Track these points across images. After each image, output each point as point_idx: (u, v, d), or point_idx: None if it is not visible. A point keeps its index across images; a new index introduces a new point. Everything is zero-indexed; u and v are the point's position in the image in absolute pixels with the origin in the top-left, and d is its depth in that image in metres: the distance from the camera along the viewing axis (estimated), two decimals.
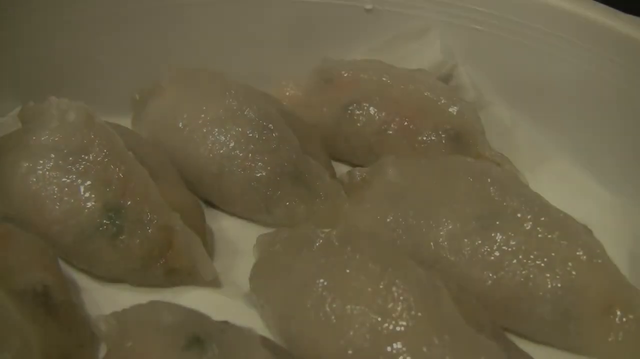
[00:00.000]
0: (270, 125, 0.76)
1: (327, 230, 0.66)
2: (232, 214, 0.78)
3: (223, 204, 0.78)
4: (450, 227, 0.68)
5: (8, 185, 0.72)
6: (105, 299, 0.69)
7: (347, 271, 0.61)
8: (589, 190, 0.82)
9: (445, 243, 0.68)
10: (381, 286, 0.59)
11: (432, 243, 0.68)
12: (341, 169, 0.83)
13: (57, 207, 0.69)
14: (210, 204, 0.79)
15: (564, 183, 0.81)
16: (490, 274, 0.66)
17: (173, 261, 0.69)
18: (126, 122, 0.85)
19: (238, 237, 0.76)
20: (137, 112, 0.85)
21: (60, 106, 0.73)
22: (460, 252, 0.67)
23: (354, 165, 0.84)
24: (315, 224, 0.72)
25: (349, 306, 0.59)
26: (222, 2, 0.90)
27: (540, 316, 0.65)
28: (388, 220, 0.71)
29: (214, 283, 0.70)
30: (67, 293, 0.64)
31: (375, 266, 0.60)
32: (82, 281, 0.70)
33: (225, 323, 0.57)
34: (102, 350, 0.62)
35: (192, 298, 0.69)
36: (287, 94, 0.88)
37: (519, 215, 0.67)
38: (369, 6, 0.89)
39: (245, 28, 0.91)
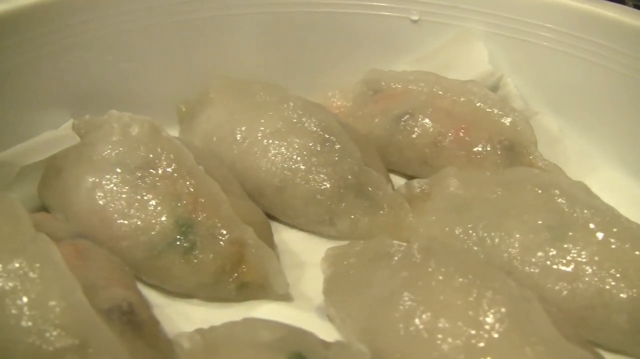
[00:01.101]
0: (332, 137, 0.76)
1: (400, 242, 0.66)
2: (293, 226, 0.78)
3: (284, 217, 0.78)
4: (522, 238, 0.68)
5: (72, 200, 0.71)
6: (178, 315, 0.68)
7: (434, 284, 0.61)
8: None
9: (518, 254, 0.68)
10: (471, 299, 0.59)
11: (505, 254, 0.68)
12: (394, 180, 0.83)
13: (126, 222, 0.69)
14: (270, 216, 0.78)
15: (614, 192, 0.81)
16: (565, 285, 0.66)
17: (245, 275, 0.69)
18: (172, 133, 0.83)
19: (301, 250, 0.75)
20: (185, 124, 0.85)
21: (122, 119, 0.73)
22: (534, 264, 0.67)
23: (406, 176, 0.84)
24: (378, 236, 0.71)
25: (439, 320, 0.59)
26: (265, 13, 0.89)
27: (616, 325, 0.65)
28: (457, 232, 0.71)
29: (285, 296, 0.70)
30: (149, 310, 0.63)
31: (464, 279, 0.60)
32: (152, 296, 0.70)
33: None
34: None
35: (265, 312, 0.69)
36: (335, 104, 0.87)
37: (591, 226, 0.67)
38: (415, 17, 0.90)
39: (289, 39, 0.90)
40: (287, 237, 0.77)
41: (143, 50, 0.87)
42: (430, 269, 0.62)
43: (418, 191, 0.77)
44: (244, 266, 0.69)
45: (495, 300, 0.59)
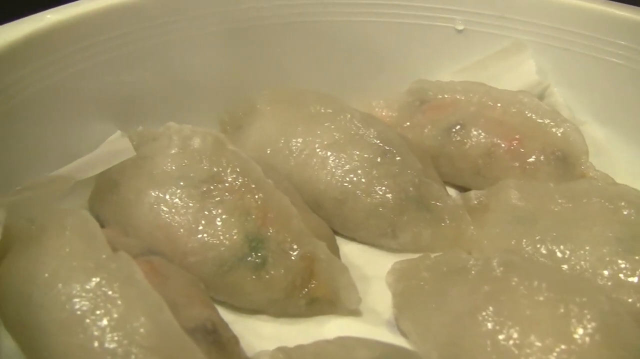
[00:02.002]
0: (392, 149, 0.76)
1: (475, 256, 0.65)
2: (353, 239, 0.78)
3: (344, 230, 0.77)
4: (592, 250, 0.68)
5: (133, 215, 0.70)
6: (248, 332, 0.67)
7: (519, 298, 0.60)
8: None
9: (590, 267, 0.68)
10: (559, 313, 0.59)
11: (577, 267, 0.68)
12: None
13: (193, 238, 0.67)
14: None
15: None
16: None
17: (315, 291, 0.68)
18: None
19: (363, 263, 0.75)
20: (230, 135, 0.83)
21: (182, 131, 0.71)
22: (606, 276, 0.67)
23: (457, 187, 0.84)
24: (440, 248, 0.71)
25: (527, 335, 0.58)
26: (309, 22, 0.89)
27: None
28: (524, 244, 0.70)
29: (354, 311, 0.69)
30: (230, 329, 0.62)
31: (550, 293, 0.60)
32: (221, 313, 0.67)
33: None
34: None
35: (335, 328, 0.68)
36: (380, 114, 0.87)
37: None
38: (460, 27, 0.90)
39: (332, 49, 0.90)
40: (347, 250, 0.76)
41: (185, 61, 0.85)
42: (513, 283, 0.61)
43: (475, 202, 0.76)
44: (314, 281, 0.68)
45: (585, 314, 0.58)
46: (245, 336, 0.66)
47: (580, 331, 0.57)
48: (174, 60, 0.84)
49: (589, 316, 0.58)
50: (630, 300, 0.66)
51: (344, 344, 0.57)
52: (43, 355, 0.59)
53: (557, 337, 0.58)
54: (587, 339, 0.57)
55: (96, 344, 0.57)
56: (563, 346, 0.57)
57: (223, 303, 0.69)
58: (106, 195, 0.73)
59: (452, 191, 0.83)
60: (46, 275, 0.61)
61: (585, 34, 0.86)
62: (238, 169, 0.69)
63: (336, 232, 0.78)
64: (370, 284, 0.72)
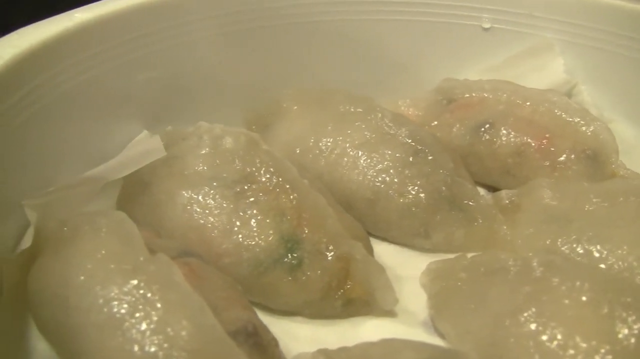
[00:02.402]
0: (424, 148, 0.75)
1: (513, 257, 0.65)
2: (384, 239, 0.77)
3: (376, 230, 0.76)
4: (630, 250, 0.67)
5: (166, 216, 0.69)
6: (284, 334, 0.66)
7: (561, 298, 0.60)
8: None
9: (628, 267, 0.67)
10: (603, 313, 0.58)
11: (615, 266, 0.67)
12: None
13: (228, 239, 0.67)
14: None
15: None
16: None
17: (351, 292, 0.67)
18: None
19: (396, 264, 0.74)
20: (258, 133, 0.82)
21: (213, 131, 0.71)
22: None
23: (487, 186, 0.83)
24: (473, 248, 0.70)
25: (571, 335, 0.58)
26: (334, 21, 0.88)
27: None
28: (560, 244, 0.70)
29: (390, 312, 0.68)
30: (270, 331, 0.61)
31: (592, 293, 0.59)
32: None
33: None
34: None
35: (371, 329, 0.68)
36: (406, 113, 0.86)
37: None
38: (487, 25, 0.89)
39: (357, 46, 0.89)
40: (380, 251, 0.75)
41: (210, 60, 0.85)
42: (554, 284, 0.61)
43: (507, 202, 0.76)
44: (349, 282, 0.67)
45: (629, 314, 0.58)
46: (282, 338, 0.65)
47: (625, 331, 0.57)
48: (199, 59, 0.84)
49: (633, 317, 0.57)
50: None
51: (390, 346, 0.56)
52: (80, 358, 0.58)
53: (601, 337, 0.57)
54: (633, 340, 0.57)
55: (136, 347, 0.56)
56: (607, 347, 0.57)
57: (257, 305, 0.68)
58: (136, 196, 0.72)
59: (481, 191, 0.83)
60: (82, 278, 0.60)
61: (613, 31, 0.86)
62: (272, 169, 0.68)
63: (368, 233, 0.77)
64: (404, 285, 0.71)
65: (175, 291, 0.57)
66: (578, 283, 0.60)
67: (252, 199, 0.67)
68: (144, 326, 0.56)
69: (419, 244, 0.75)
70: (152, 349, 0.55)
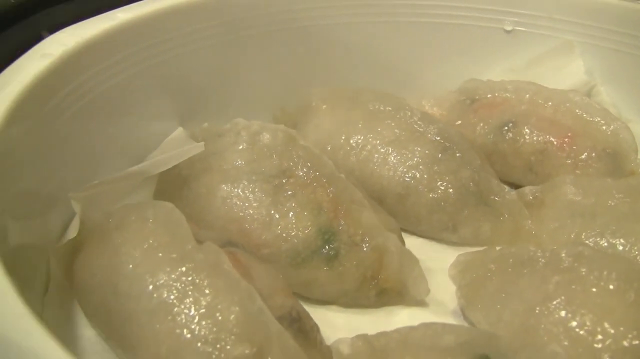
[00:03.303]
0: (452, 145, 0.78)
1: (541, 249, 0.67)
2: (413, 233, 0.79)
3: (406, 224, 0.79)
4: None
5: (206, 209, 0.72)
6: (320, 322, 0.67)
7: (589, 287, 0.62)
8: None
9: None
10: (630, 301, 0.60)
11: (638, 259, 0.69)
12: None
13: (266, 231, 0.69)
14: None
15: None
16: None
17: (384, 282, 0.70)
18: None
19: (426, 257, 0.76)
20: None
21: (251, 127, 0.73)
22: None
23: (510, 184, 0.85)
24: (499, 242, 0.73)
25: (600, 322, 0.60)
26: (360, 23, 0.91)
27: None
28: (584, 237, 0.72)
29: (421, 302, 0.71)
30: (312, 318, 0.64)
31: (620, 282, 0.62)
32: None
33: None
34: None
35: (404, 318, 0.70)
36: (431, 112, 0.89)
37: None
38: (509, 28, 0.92)
39: (382, 47, 0.92)
40: (409, 244, 0.77)
41: (242, 59, 0.87)
42: (583, 273, 0.63)
43: (531, 198, 0.78)
44: (383, 273, 0.69)
45: None
46: (320, 325, 0.67)
47: None
48: (232, 58, 0.86)
49: None
50: None
51: (430, 329, 0.59)
52: (131, 343, 0.61)
53: (629, 324, 0.60)
54: None
55: (186, 331, 0.58)
56: (635, 333, 0.59)
57: (295, 294, 0.70)
58: (174, 190, 0.74)
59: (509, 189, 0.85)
60: (130, 266, 0.62)
61: (632, 33, 0.88)
62: (309, 164, 0.71)
63: None
64: (434, 277, 0.73)
65: (224, 278, 0.59)
66: (605, 272, 0.63)
67: (290, 192, 0.70)
68: (193, 311, 0.59)
69: (447, 238, 0.78)
70: (202, 332, 0.58)
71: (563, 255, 0.65)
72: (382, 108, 0.81)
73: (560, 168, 0.82)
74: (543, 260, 0.67)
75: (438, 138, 0.78)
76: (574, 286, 0.63)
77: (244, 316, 0.58)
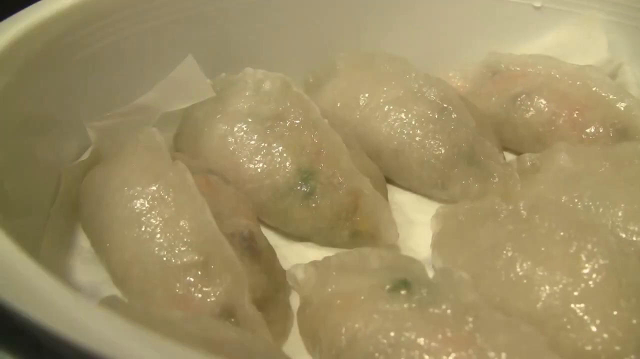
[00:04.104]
0: (449, 107, 0.80)
1: (508, 202, 0.69)
2: (407, 189, 0.83)
3: (399, 179, 0.82)
4: (627, 207, 0.70)
5: (204, 146, 0.78)
6: (294, 255, 0.74)
7: (537, 236, 0.64)
8: None
9: (621, 222, 0.70)
10: (571, 251, 0.62)
11: (609, 222, 0.70)
12: (508, 157, 0.87)
13: (253, 167, 0.75)
14: (386, 178, 0.83)
15: None
16: None
17: (358, 224, 0.74)
18: None
19: (413, 210, 0.80)
20: (312, 94, 0.90)
21: (256, 75, 0.79)
22: (637, 232, 0.69)
23: (519, 153, 0.86)
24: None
25: (538, 268, 0.62)
26: None
27: None
28: (563, 200, 0.73)
29: (394, 247, 0.74)
30: (267, 241, 0.69)
31: (566, 232, 0.63)
32: (272, 237, 0.75)
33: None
34: (292, 299, 0.68)
35: None
36: (455, 84, 0.92)
37: None
38: (537, 4, 0.93)
39: (415, 19, 0.95)
40: (401, 199, 0.81)
41: (275, 20, 0.93)
42: (534, 224, 0.65)
43: (529, 164, 0.80)
44: (358, 215, 0.73)
45: (594, 252, 0.61)
46: (292, 258, 0.73)
47: (588, 267, 0.61)
48: (267, 18, 0.92)
49: (597, 254, 0.61)
50: None
51: (360, 253, 0.63)
52: (105, 248, 0.68)
53: (565, 271, 0.61)
54: (594, 275, 0.60)
55: (148, 237, 0.65)
56: (570, 279, 0.60)
57: (275, 229, 0.76)
58: (186, 129, 0.81)
59: (514, 157, 0.87)
60: (117, 181, 0.70)
61: None
62: (300, 110, 0.76)
63: (393, 182, 0.84)
64: (416, 228, 0.77)
65: (186, 193, 0.65)
66: (555, 224, 0.64)
67: (279, 134, 0.75)
68: (156, 221, 0.66)
69: (437, 195, 0.81)
70: (161, 240, 0.64)
71: (521, 207, 0.67)
72: (390, 70, 0.85)
73: (566, 140, 0.82)
74: (505, 212, 0.68)
75: (436, 99, 0.81)
76: (524, 234, 0.65)
77: (195, 226, 0.64)
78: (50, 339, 0.43)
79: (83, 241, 0.74)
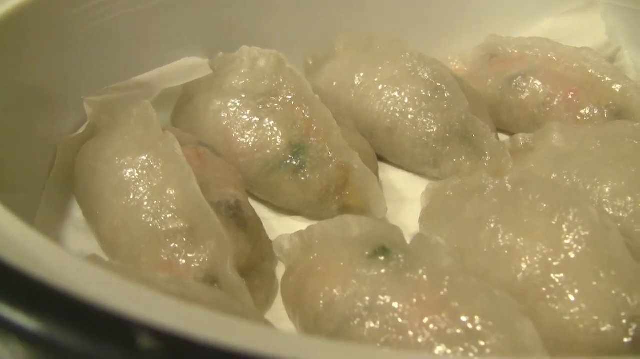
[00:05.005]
0: (442, 86, 0.80)
1: (487, 176, 0.70)
2: (400, 167, 0.84)
3: (392, 157, 0.83)
4: (614, 184, 0.70)
5: (200, 120, 0.79)
6: (282, 227, 0.74)
7: (520, 209, 0.64)
8: None
9: (609, 199, 0.70)
10: (553, 222, 0.62)
11: (596, 199, 0.70)
12: (503, 138, 0.86)
13: (244, 141, 0.76)
14: (380, 157, 0.84)
15: None
16: None
17: (347, 198, 0.74)
18: None
19: (404, 187, 0.81)
20: (311, 75, 0.91)
21: (251, 53, 0.80)
22: (623, 208, 0.69)
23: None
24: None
25: (520, 239, 0.62)
26: None
27: None
28: (552, 177, 0.73)
29: (383, 221, 0.74)
30: (254, 211, 0.70)
31: (548, 205, 0.63)
32: (262, 210, 0.76)
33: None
34: (279, 270, 0.69)
35: None
36: (453, 67, 0.92)
37: None
38: None
39: (414, 4, 0.96)
40: (393, 176, 0.82)
41: (275, 3, 0.94)
42: (518, 197, 0.65)
43: (522, 144, 0.80)
44: (347, 190, 0.74)
45: (576, 224, 0.61)
46: (280, 230, 0.73)
47: (569, 238, 0.61)
48: (267, 1, 0.93)
49: (579, 226, 0.61)
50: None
51: (342, 221, 0.63)
52: (96, 215, 0.69)
53: (546, 242, 0.62)
54: (575, 246, 0.61)
55: (136, 204, 0.66)
56: (550, 250, 0.61)
57: (266, 203, 0.77)
58: (182, 106, 0.83)
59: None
60: (110, 152, 0.71)
61: None
62: (293, 86, 0.76)
63: (386, 161, 0.84)
64: (406, 204, 0.78)
65: (174, 162, 0.67)
66: (538, 196, 0.65)
67: (270, 109, 0.76)
68: (144, 189, 0.67)
69: (429, 173, 0.81)
70: (148, 207, 0.66)
71: (506, 180, 0.68)
72: (386, 50, 0.85)
73: (561, 121, 0.83)
74: (491, 186, 0.69)
75: (430, 78, 0.81)
76: (507, 207, 0.66)
77: (181, 194, 0.65)
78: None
79: (77, 212, 0.74)
